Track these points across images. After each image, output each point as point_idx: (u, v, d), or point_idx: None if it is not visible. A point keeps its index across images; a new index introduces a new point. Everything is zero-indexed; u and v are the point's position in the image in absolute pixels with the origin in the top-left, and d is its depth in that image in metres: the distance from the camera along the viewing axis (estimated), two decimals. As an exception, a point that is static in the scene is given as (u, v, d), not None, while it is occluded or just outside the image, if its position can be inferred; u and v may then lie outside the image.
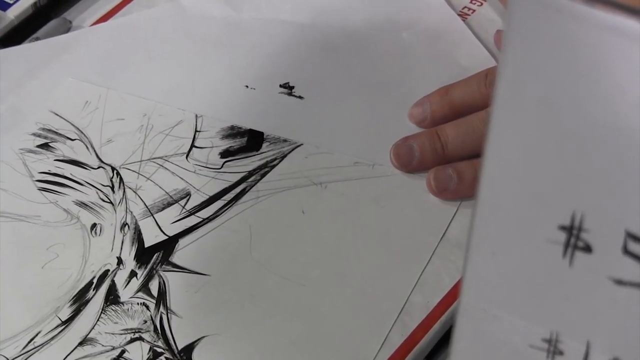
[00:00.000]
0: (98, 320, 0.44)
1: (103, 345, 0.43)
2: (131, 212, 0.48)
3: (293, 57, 0.54)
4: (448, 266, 0.44)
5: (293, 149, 0.50)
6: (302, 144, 0.50)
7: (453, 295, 0.43)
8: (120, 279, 0.45)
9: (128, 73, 0.55)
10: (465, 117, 0.47)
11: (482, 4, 0.56)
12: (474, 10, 0.56)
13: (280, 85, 0.53)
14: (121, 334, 0.43)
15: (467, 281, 0.27)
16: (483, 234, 0.26)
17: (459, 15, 0.55)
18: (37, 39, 0.58)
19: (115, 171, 0.50)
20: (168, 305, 0.44)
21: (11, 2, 0.59)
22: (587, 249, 0.25)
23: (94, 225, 0.48)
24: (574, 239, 0.25)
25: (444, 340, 0.42)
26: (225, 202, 0.48)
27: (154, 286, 0.45)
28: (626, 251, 0.25)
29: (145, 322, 0.44)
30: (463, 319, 0.27)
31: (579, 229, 0.25)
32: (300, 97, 0.52)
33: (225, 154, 0.50)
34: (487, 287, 0.27)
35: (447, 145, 0.47)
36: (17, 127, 0.53)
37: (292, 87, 0.53)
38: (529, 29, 0.24)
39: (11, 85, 0.55)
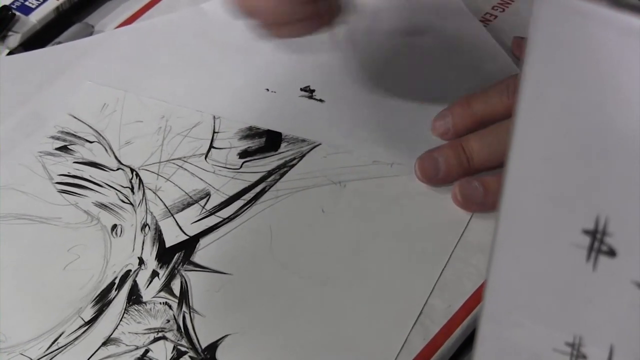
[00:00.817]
0: (121, 320, 0.44)
1: (127, 345, 0.43)
2: (151, 213, 0.48)
3: (313, 61, 0.54)
4: (469, 271, 0.44)
5: (312, 149, 0.50)
6: (320, 144, 0.50)
7: (475, 299, 0.42)
8: (142, 279, 0.46)
9: (148, 77, 0.55)
10: (489, 128, 0.47)
11: (504, 10, 0.56)
12: (495, 17, 0.56)
13: (301, 89, 0.53)
14: (144, 334, 0.44)
15: (490, 285, 0.27)
16: (507, 239, 0.27)
17: (480, 21, 0.55)
18: (59, 43, 0.58)
19: (134, 172, 0.50)
20: (190, 304, 0.44)
21: (33, 6, 0.59)
22: (611, 253, 0.25)
23: (114, 226, 0.48)
24: (598, 242, 0.25)
25: (466, 344, 0.42)
26: (245, 201, 0.48)
27: (176, 286, 0.45)
28: (650, 255, 0.25)
29: (168, 321, 0.44)
30: (486, 323, 0.27)
31: (602, 233, 0.25)
32: (320, 100, 0.52)
33: (244, 154, 0.50)
34: (511, 291, 0.27)
35: (473, 158, 0.46)
36: (37, 131, 0.53)
37: (313, 91, 0.53)
38: (553, 33, 0.24)
39: (32, 88, 0.55)
